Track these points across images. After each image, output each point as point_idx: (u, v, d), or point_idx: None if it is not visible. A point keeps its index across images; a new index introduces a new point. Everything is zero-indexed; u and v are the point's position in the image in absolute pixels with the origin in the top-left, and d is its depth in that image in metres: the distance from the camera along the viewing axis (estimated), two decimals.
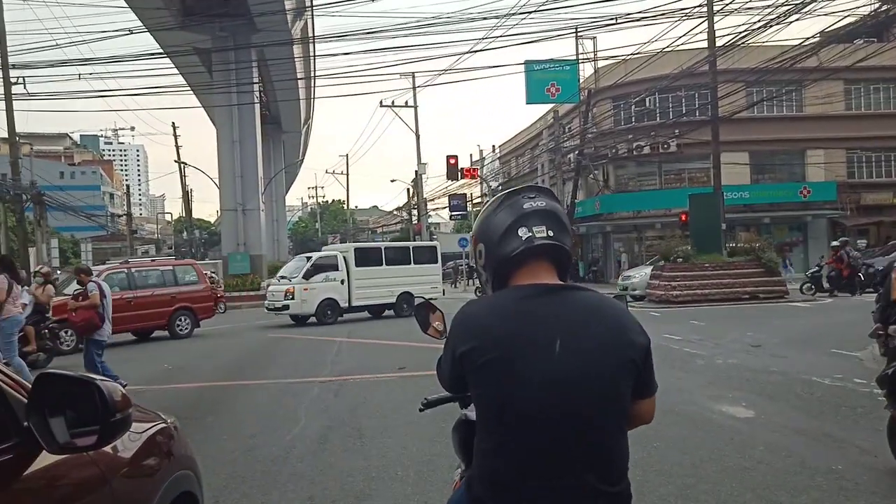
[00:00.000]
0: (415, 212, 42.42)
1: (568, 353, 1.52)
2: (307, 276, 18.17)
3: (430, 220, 42.67)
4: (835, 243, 20.95)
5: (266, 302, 19.72)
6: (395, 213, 67.08)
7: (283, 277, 19.41)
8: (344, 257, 18.85)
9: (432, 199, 44.13)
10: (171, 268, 16.90)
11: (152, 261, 19.14)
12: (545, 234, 1.62)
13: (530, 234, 1.61)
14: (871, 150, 32.00)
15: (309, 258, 19.29)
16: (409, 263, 19.74)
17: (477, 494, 1.60)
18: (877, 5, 17.02)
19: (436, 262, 20.71)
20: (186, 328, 16.08)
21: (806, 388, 7.14)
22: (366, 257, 19.29)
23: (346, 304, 18.61)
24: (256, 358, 11.91)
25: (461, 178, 35.40)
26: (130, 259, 21.28)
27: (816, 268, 20.98)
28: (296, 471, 4.95)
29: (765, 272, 19.49)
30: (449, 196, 41.41)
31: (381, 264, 19.27)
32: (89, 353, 8.39)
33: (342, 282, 18.53)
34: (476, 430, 1.66)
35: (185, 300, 16.16)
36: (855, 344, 9.32)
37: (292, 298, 18.00)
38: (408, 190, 46.26)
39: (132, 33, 26.81)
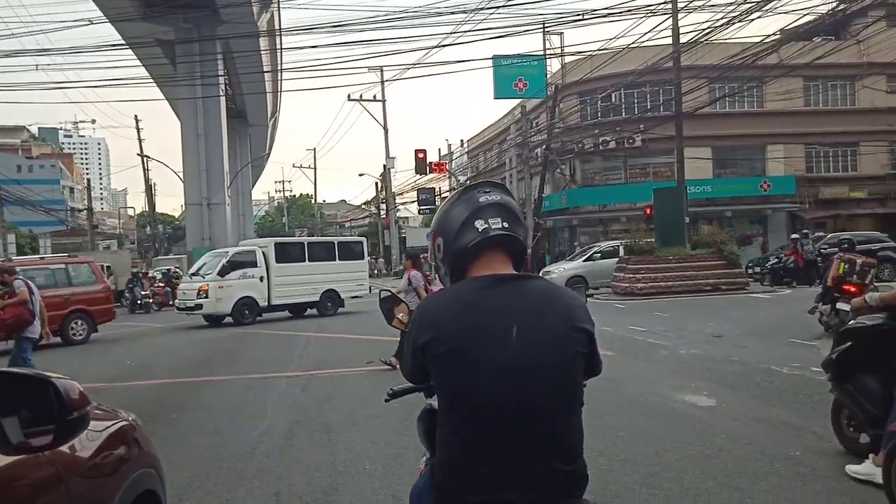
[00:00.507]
0: (383, 206, 42.29)
1: (523, 341, 1.58)
2: (223, 272, 17.08)
3: (398, 214, 42.56)
4: (794, 235, 21.60)
5: (176, 301, 18.59)
6: (363, 207, 66.75)
7: (195, 274, 18.20)
8: (263, 253, 17.87)
9: (401, 194, 44.04)
10: (63, 266, 15.38)
11: (41, 259, 17.75)
12: (500, 226, 1.69)
13: (486, 225, 1.68)
14: (829, 145, 32.86)
15: (226, 253, 18.31)
16: (335, 260, 19.02)
17: (438, 481, 1.65)
18: (834, 4, 17.47)
19: (362, 258, 20.26)
20: (82, 333, 14.70)
21: (765, 377, 7.32)
22: (287, 253, 18.38)
23: (266, 303, 17.67)
24: (223, 353, 11.76)
25: (430, 172, 35.42)
26: (14, 257, 20.46)
27: (776, 260, 21.52)
28: (262, 466, 4.91)
29: (726, 264, 19.91)
30: (417, 190, 41.36)
31: (304, 260, 18.42)
32: (18, 352, 7.91)
33: (261, 279, 17.55)
34: (437, 418, 1.71)
35: (79, 302, 14.76)
36: (812, 333, 9.59)
37: (206, 297, 16.85)
38: (376, 184, 46.09)
39: (92, 23, 26.15)
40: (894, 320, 4.22)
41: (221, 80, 36.12)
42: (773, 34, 20.04)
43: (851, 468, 4.11)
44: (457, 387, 1.60)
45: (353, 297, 19.35)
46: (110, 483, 2.20)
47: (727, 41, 21.05)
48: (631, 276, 19.54)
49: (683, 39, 20.86)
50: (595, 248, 22.79)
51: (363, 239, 21.41)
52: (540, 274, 21.34)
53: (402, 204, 46.77)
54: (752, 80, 26.40)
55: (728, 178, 32.64)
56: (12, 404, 1.67)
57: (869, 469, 3.97)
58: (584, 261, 22.09)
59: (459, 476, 1.60)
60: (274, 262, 17.74)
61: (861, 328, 4.42)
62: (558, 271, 21.78)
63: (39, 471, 1.83)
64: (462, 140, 50.88)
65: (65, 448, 1.94)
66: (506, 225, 1.70)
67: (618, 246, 22.01)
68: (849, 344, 4.45)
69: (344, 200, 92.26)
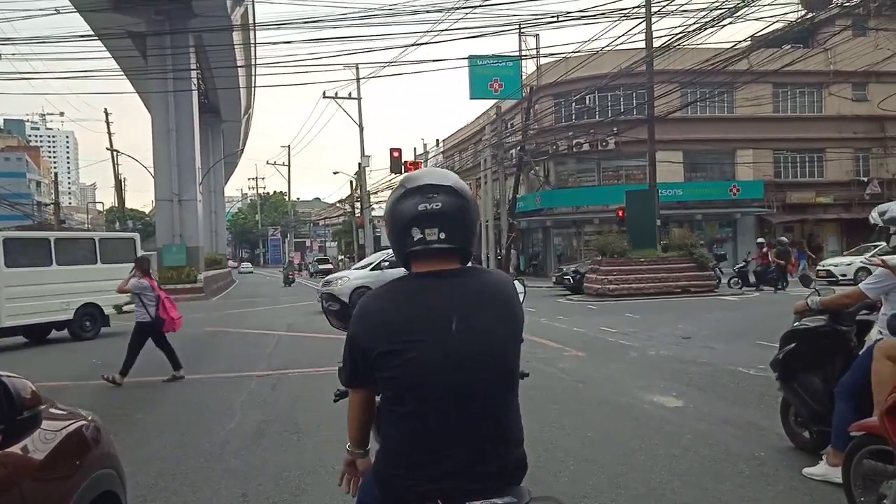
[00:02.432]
0: (358, 205, 42.07)
1: (462, 333, 1.62)
2: None
3: (373, 213, 42.37)
4: (760, 240, 22.12)
5: None
6: (337, 205, 66.37)
7: None
8: None
9: (376, 192, 43.82)
10: None
11: None
12: (436, 238, 1.67)
13: (422, 236, 1.67)
14: (797, 151, 33.54)
15: None
16: (95, 263, 14.46)
17: (381, 472, 1.70)
18: (803, 13, 17.81)
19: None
20: None
21: (732, 379, 7.43)
22: (23, 253, 13.47)
23: None
24: (192, 352, 11.55)
25: (405, 171, 35.26)
26: None
27: (743, 263, 21.94)
28: (229, 467, 4.84)
29: (696, 267, 20.20)
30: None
31: (51, 264, 13.66)
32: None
33: None
34: (382, 412, 1.77)
35: None
36: (778, 336, 9.73)
37: None
38: (351, 182, 45.82)
39: (59, 13, 25.57)
40: (834, 322, 4.44)
41: (194, 74, 35.57)
42: (744, 40, 20.29)
43: (808, 470, 4.22)
44: (400, 381, 1.64)
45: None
46: (67, 485, 2.14)
47: (699, 46, 21.32)
48: (603, 277, 19.72)
49: (657, 43, 21.10)
50: (384, 256, 19.62)
51: (135, 235, 16.58)
52: (322, 282, 20.61)
53: (377, 203, 46.59)
54: (723, 85, 26.81)
55: (699, 181, 33.11)
56: None
57: (824, 470, 4.09)
58: (372, 269, 18.97)
59: (401, 465, 1.64)
60: (3, 267, 12.69)
61: (804, 329, 4.64)
62: (342, 282, 18.66)
63: None
64: (437, 140, 50.89)
65: (16, 449, 1.88)
66: (443, 236, 1.67)
67: None
68: (793, 345, 4.68)
69: (318, 198, 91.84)
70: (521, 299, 1.81)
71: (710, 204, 31.93)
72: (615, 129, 29.64)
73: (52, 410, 2.27)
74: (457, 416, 1.62)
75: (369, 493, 1.77)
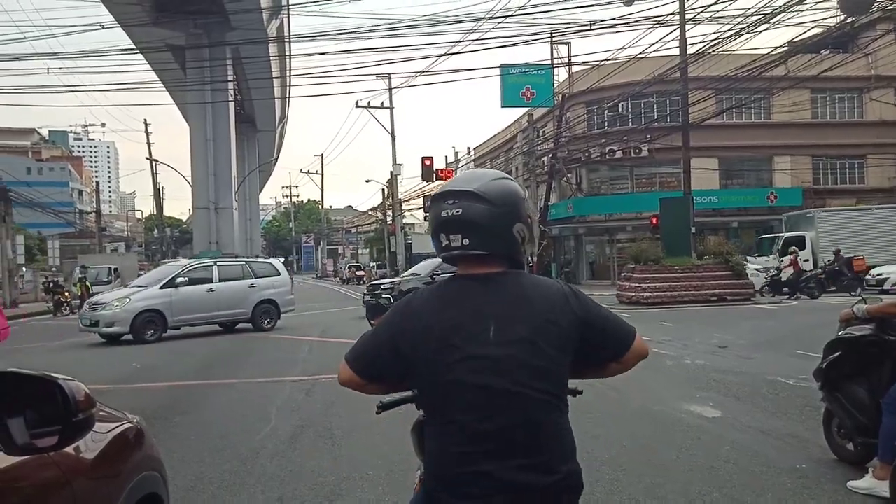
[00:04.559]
0: (389, 212, 42.32)
1: (502, 338, 1.61)
2: None
3: (404, 221, 42.60)
4: (793, 248, 21.68)
5: None
6: (369, 213, 66.80)
7: None
8: None
9: (407, 200, 44.03)
10: None
11: None
12: (460, 244, 1.68)
13: (447, 241, 1.69)
14: (836, 157, 32.76)
15: None
16: None
17: (428, 488, 1.68)
18: (842, 18, 17.44)
19: None
20: None
21: (771, 389, 7.28)
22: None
23: None
24: (227, 357, 11.77)
25: (436, 179, 35.37)
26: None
27: (776, 271, 21.47)
28: (265, 471, 4.91)
29: (732, 275, 19.85)
30: (424, 197, 41.34)
31: None
32: None
33: None
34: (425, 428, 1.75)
35: None
36: (818, 345, 9.44)
37: None
38: (383, 190, 46.13)
39: (104, 28, 26.38)
40: (881, 331, 4.30)
41: (231, 85, 36.33)
42: (781, 46, 19.95)
43: (853, 484, 4.10)
44: (438, 390, 1.64)
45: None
46: (114, 485, 2.20)
47: (735, 52, 21.02)
48: (637, 285, 19.51)
49: (691, 50, 20.87)
50: (180, 269, 15.39)
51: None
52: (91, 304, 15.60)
53: (409, 210, 46.85)
54: (760, 91, 26.35)
55: (735, 188, 32.56)
56: (18, 405, 1.67)
57: (870, 483, 3.97)
58: (163, 287, 14.62)
59: (447, 481, 1.62)
60: None
61: (849, 338, 4.51)
62: (118, 304, 14.19)
63: (44, 472, 1.83)
64: (469, 147, 50.92)
65: (70, 449, 1.93)
66: (466, 242, 1.67)
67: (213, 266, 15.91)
68: (838, 354, 4.55)
69: (350, 206, 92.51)
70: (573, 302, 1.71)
71: (747, 211, 31.37)
72: (648, 135, 29.34)
73: (100, 412, 2.34)
74: (497, 426, 1.59)
75: None
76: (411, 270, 22.73)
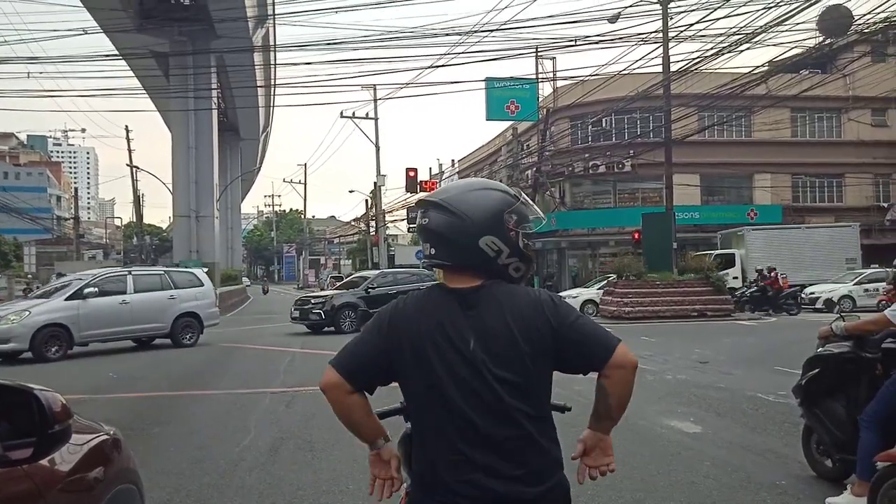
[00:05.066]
0: (373, 223, 42.25)
1: (480, 352, 1.61)
2: None
3: (387, 232, 42.52)
4: (768, 265, 21.95)
5: None
6: (352, 223, 66.62)
7: None
8: None
9: (391, 211, 43.97)
10: None
11: None
12: (429, 253, 1.71)
13: (425, 250, 1.74)
14: (815, 175, 33.28)
15: None
16: None
17: (413, 500, 1.70)
18: (821, 39, 17.81)
19: None
20: None
21: (751, 405, 7.33)
22: None
23: None
24: (207, 368, 11.62)
25: (420, 190, 35.38)
26: None
27: (755, 287, 21.72)
28: (244, 484, 4.84)
29: (713, 291, 20.04)
30: (408, 209, 41.27)
31: None
32: None
33: None
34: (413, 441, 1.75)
35: None
36: (797, 362, 9.51)
37: None
38: (366, 201, 46.06)
39: (87, 33, 26.14)
40: (858, 348, 4.35)
41: (214, 93, 36.15)
42: (762, 65, 20.31)
43: (831, 500, 4.11)
44: (422, 397, 1.65)
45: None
46: (90, 498, 2.15)
47: (717, 71, 21.35)
48: (619, 299, 19.61)
49: (674, 68, 21.15)
50: (88, 279, 13.72)
51: None
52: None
53: (392, 222, 46.76)
54: (741, 109, 26.78)
55: (716, 205, 32.92)
56: None
57: (848, 500, 3.99)
58: (68, 299, 13.00)
59: (432, 490, 1.62)
60: None
61: (828, 356, 4.56)
62: (17, 318, 12.47)
63: (17, 485, 1.78)
64: (453, 160, 51.07)
65: (44, 462, 1.89)
66: (433, 252, 1.70)
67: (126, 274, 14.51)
68: (817, 370, 4.60)
69: (333, 216, 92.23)
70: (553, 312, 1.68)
71: (727, 227, 31.72)
72: (632, 151, 29.64)
73: (76, 424, 2.29)
74: (481, 438, 1.60)
75: None
76: (344, 282, 22.05)
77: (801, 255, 25.35)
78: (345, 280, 21.79)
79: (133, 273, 14.86)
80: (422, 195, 1.80)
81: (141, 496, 2.62)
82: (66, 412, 1.72)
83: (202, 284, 15.56)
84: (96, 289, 13.32)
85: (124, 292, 13.83)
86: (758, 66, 20.05)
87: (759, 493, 4.45)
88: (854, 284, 21.72)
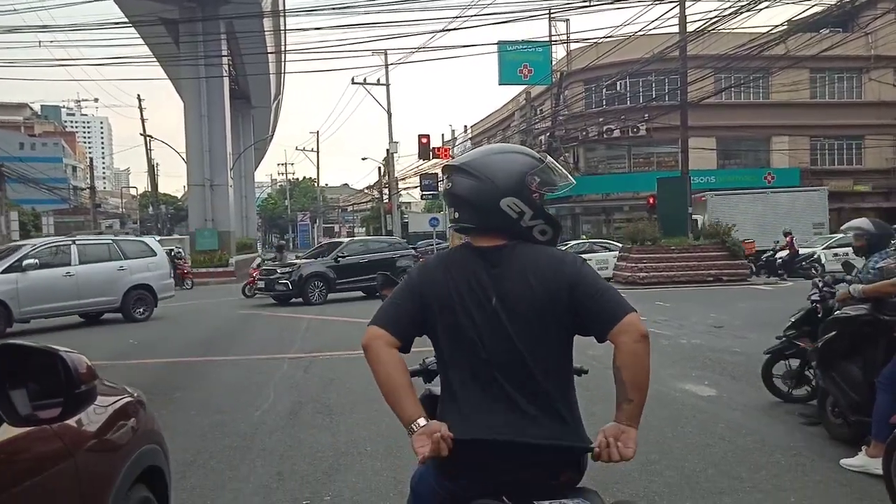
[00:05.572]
0: (386, 191, 42.22)
1: (502, 310, 1.66)
2: None
3: (401, 199, 42.51)
4: (785, 230, 21.67)
5: None
6: (365, 191, 66.64)
7: None
8: None
9: (404, 178, 43.91)
10: None
11: None
12: (453, 217, 1.78)
13: (450, 214, 1.81)
14: (834, 138, 32.73)
15: None
16: None
17: (441, 465, 1.67)
18: None
19: None
20: None
21: None
22: None
23: None
24: (225, 334, 11.80)
25: (433, 157, 35.23)
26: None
27: (771, 252, 21.52)
28: (265, 446, 4.94)
29: (728, 256, 19.89)
30: (420, 175, 41.22)
31: None
32: None
33: None
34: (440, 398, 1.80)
35: None
36: None
37: None
38: (379, 168, 45.99)
39: (95, 0, 25.91)
40: (876, 311, 4.33)
41: (225, 60, 35.90)
42: (781, 24, 19.78)
43: (846, 462, 4.15)
44: (447, 347, 1.72)
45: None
46: (116, 458, 2.21)
47: (734, 31, 20.86)
48: (633, 265, 19.54)
49: (690, 28, 20.70)
50: (28, 250, 12.65)
51: None
52: None
53: (405, 189, 46.69)
54: (759, 70, 26.22)
55: (732, 168, 32.56)
56: (20, 377, 1.67)
57: (863, 461, 4.02)
58: (5, 271, 11.99)
59: (460, 437, 1.63)
60: None
61: (845, 318, 4.55)
62: None
63: (47, 444, 1.84)
64: (466, 126, 50.71)
65: (72, 422, 1.94)
66: (456, 215, 1.76)
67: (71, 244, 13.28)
68: (833, 333, 4.60)
69: (346, 184, 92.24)
70: (577, 271, 1.70)
71: (744, 191, 31.39)
72: (646, 115, 29.23)
73: (102, 386, 2.34)
74: (504, 392, 1.66)
75: (426, 485, 1.78)
76: (311, 251, 20.91)
77: (765, 220, 25.06)
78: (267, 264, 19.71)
79: (77, 242, 13.67)
80: (446, 162, 1.85)
81: (165, 456, 2.68)
82: (91, 373, 1.76)
83: (155, 254, 14.55)
84: (36, 260, 12.27)
85: (69, 264, 12.83)
86: (776, 25, 19.51)
87: (774, 454, 4.48)
88: (823, 249, 21.46)
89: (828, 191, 27.15)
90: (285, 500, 3.90)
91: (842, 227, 5.39)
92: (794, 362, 5.69)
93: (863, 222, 4.87)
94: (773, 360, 5.82)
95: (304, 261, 18.10)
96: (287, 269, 17.01)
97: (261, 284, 17.38)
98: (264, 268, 18.70)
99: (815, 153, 33.01)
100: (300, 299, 16.51)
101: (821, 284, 5.29)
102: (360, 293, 17.50)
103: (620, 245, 21.69)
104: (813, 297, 5.34)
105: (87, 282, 12.95)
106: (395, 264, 17.13)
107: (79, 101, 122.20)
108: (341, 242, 19.18)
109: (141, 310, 13.88)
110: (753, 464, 4.31)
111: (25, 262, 12.17)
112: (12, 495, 1.65)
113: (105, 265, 13.43)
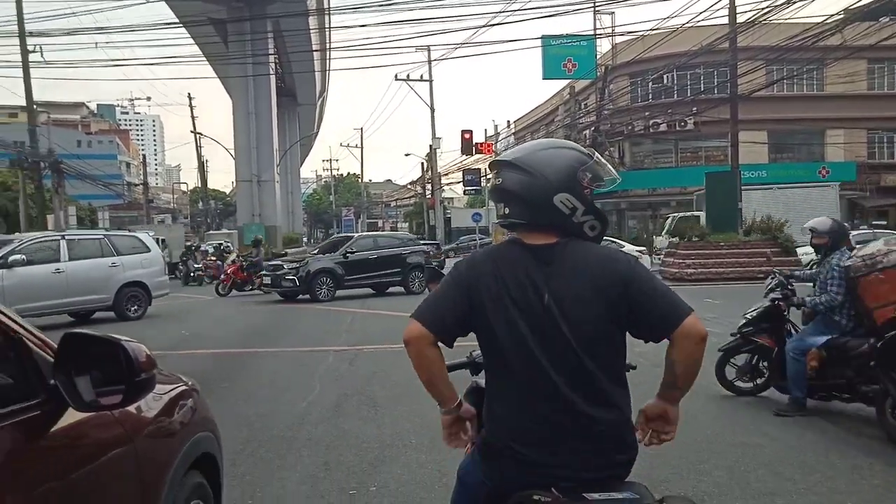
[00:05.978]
0: (429, 186, 42.36)
1: (555, 308, 1.64)
2: None
3: (443, 195, 42.59)
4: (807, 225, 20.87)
5: None
6: (409, 187, 66.93)
7: None
8: None
9: (446, 174, 43.98)
10: None
11: None
12: (503, 213, 1.75)
13: (499, 210, 1.78)
14: (892, 130, 31.46)
15: None
16: None
17: (490, 451, 1.72)
18: None
19: None
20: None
21: None
22: None
23: None
24: (271, 327, 12.03)
25: (476, 152, 35.22)
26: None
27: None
28: (311, 436, 5.03)
29: (781, 252, 19.33)
30: (463, 171, 41.23)
31: None
32: None
33: None
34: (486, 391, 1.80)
35: None
36: None
37: None
38: (422, 164, 46.14)
39: (149, 2, 26.71)
40: None
41: (272, 58, 36.53)
42: (836, 14, 19.08)
43: None
44: (497, 343, 1.69)
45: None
46: (172, 444, 2.29)
47: (787, 21, 20.22)
48: (681, 261, 19.19)
49: (741, 19, 20.15)
50: (14, 244, 12.07)
51: None
52: None
53: (448, 184, 46.79)
54: (813, 62, 25.35)
55: (785, 162, 31.63)
56: (85, 364, 1.73)
57: None
58: None
59: (511, 429, 1.67)
60: None
61: None
62: None
63: (109, 429, 1.91)
64: (509, 121, 50.49)
65: (132, 409, 2.02)
66: (507, 211, 1.73)
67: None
68: (893, 333, 4.46)
69: (390, 180, 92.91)
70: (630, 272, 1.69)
71: (797, 186, 30.47)
72: (694, 108, 28.59)
73: (159, 375, 2.41)
74: (552, 390, 1.65)
75: (473, 475, 1.79)
76: (322, 246, 20.43)
77: (778, 215, 24.16)
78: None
79: (67, 238, 12.98)
80: (495, 157, 1.83)
81: (218, 444, 2.76)
82: (150, 362, 1.82)
83: (148, 250, 13.88)
84: (23, 256, 11.63)
85: (58, 260, 12.20)
86: (832, 15, 18.81)
87: (828, 456, 4.34)
88: None
89: (839, 186, 26.13)
90: (332, 490, 3.96)
91: (804, 226, 5.56)
92: (741, 358, 5.94)
93: (826, 221, 5.22)
94: (727, 358, 5.99)
95: (312, 256, 17.58)
96: (294, 265, 16.42)
97: (267, 280, 16.82)
98: (272, 263, 18.06)
99: (873, 146, 31.82)
100: (307, 296, 16.06)
101: (775, 283, 5.63)
102: (368, 290, 17.12)
103: (628, 244, 21.34)
104: (774, 296, 5.55)
105: (78, 279, 12.32)
106: (405, 260, 16.63)
107: (132, 100, 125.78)
108: (351, 237, 18.41)
109: (134, 308, 13.28)
110: (806, 465, 4.19)
111: (11, 259, 11.50)
112: (77, 477, 1.72)
113: (96, 261, 12.79)
